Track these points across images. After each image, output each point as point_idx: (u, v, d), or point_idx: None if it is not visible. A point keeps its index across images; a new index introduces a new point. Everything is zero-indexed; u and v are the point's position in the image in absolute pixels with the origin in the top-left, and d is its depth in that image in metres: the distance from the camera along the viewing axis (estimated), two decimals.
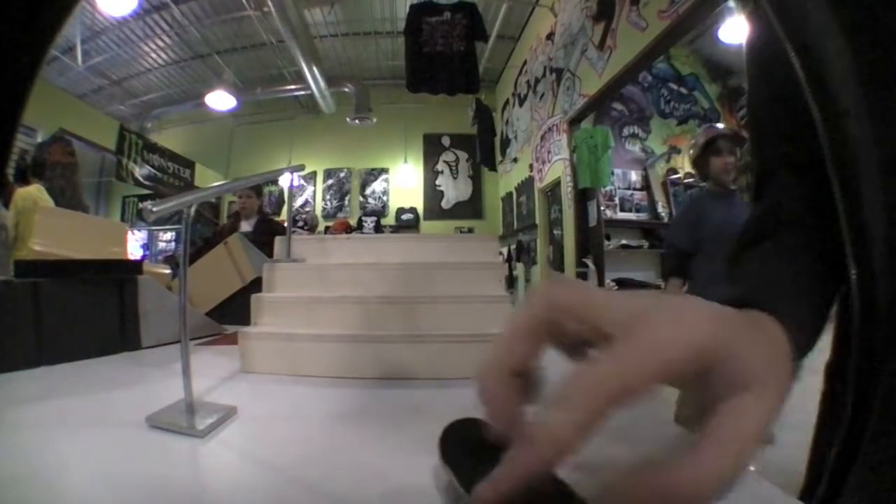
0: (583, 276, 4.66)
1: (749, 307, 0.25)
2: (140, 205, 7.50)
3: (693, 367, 0.18)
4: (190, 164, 7.40)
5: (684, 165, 5.32)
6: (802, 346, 0.27)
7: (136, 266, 0.62)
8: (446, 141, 8.11)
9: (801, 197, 0.36)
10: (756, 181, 0.42)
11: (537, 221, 6.04)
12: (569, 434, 0.17)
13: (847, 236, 0.27)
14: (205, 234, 6.22)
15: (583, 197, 4.84)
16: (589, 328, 0.21)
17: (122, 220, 7.66)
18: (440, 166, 8.11)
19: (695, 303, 0.20)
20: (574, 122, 4.72)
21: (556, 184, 5.43)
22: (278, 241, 0.56)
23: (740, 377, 0.19)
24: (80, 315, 0.54)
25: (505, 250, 6.91)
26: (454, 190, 8.08)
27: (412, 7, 4.56)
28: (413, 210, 8.00)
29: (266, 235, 2.25)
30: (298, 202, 7.94)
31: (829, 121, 0.26)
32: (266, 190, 6.96)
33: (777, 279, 0.31)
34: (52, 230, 0.66)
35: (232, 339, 0.59)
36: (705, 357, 0.18)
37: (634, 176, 5.36)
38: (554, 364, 0.23)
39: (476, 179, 8.01)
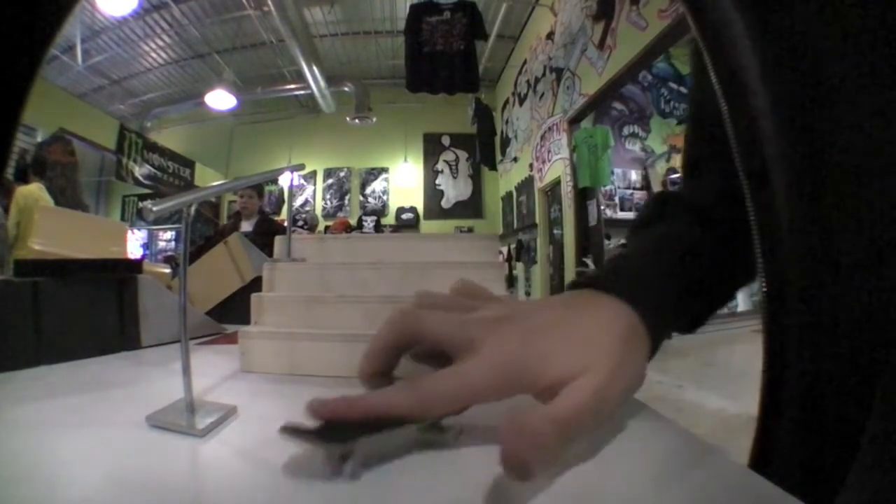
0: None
1: (590, 287, 0.28)
2: (140, 204, 7.53)
3: (504, 391, 0.24)
4: (190, 164, 7.39)
5: None
6: (655, 325, 0.28)
7: (135, 265, 0.62)
8: (446, 140, 8.11)
9: (713, 190, 0.36)
10: (683, 170, 0.43)
11: (537, 221, 6.05)
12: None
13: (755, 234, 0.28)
14: (205, 233, 6.21)
15: (583, 196, 4.84)
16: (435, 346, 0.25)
17: (122, 219, 7.67)
18: (440, 165, 8.11)
19: (513, 324, 0.25)
20: (574, 122, 4.72)
21: (556, 183, 5.43)
22: (278, 241, 0.56)
23: (558, 376, 0.23)
24: (79, 314, 0.54)
25: (505, 250, 6.91)
26: (454, 189, 8.08)
27: (412, 6, 4.56)
28: (413, 209, 8.01)
29: (267, 235, 2.25)
30: (298, 201, 7.94)
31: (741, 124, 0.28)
32: (266, 189, 6.97)
33: (631, 262, 0.33)
34: (51, 229, 0.66)
35: (232, 339, 0.59)
36: (511, 381, 0.23)
37: (634, 175, 5.36)
38: None
39: (476, 179, 8.02)
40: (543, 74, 5.47)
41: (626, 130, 5.48)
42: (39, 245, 0.62)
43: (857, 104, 0.24)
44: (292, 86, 7.13)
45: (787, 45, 0.25)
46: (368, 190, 8.13)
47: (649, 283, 0.30)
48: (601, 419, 0.24)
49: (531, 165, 6.22)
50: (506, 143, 7.34)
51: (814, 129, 0.25)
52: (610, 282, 0.28)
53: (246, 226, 2.75)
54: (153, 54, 6.67)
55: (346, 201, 8.12)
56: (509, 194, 7.29)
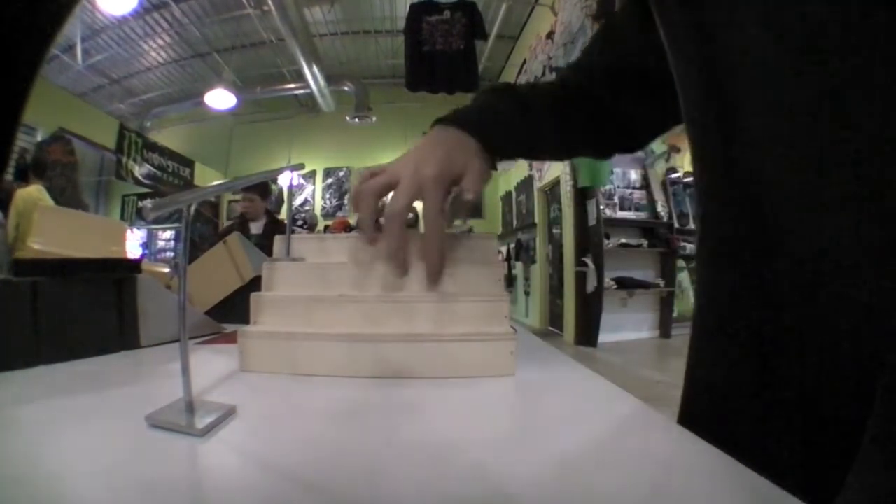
0: (582, 274, 4.66)
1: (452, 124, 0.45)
2: (139, 203, 7.52)
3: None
4: (189, 163, 7.39)
5: (684, 164, 5.32)
6: (490, 143, 0.45)
7: (135, 265, 0.62)
8: None
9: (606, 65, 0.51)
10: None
11: (536, 220, 6.05)
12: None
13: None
14: (204, 232, 6.20)
15: (582, 196, 4.84)
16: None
17: (122, 218, 7.66)
18: None
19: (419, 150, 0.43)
20: None
21: (556, 183, 5.44)
22: (278, 240, 0.56)
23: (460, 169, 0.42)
24: (78, 314, 0.54)
25: (504, 249, 6.91)
26: None
27: (412, 6, 4.55)
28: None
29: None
30: (298, 201, 7.93)
31: None
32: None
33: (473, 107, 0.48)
34: (51, 229, 0.66)
35: (231, 338, 0.59)
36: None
37: (634, 175, 5.35)
38: None
39: None
40: (543, 74, 5.46)
41: None
42: (39, 245, 0.62)
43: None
44: (292, 85, 7.12)
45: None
46: None
47: (469, 116, 0.46)
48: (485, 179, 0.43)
49: (531, 165, 6.22)
50: None
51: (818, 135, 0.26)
52: (450, 120, 0.46)
53: (254, 228, 2.71)
54: (153, 53, 6.66)
55: (346, 201, 8.11)
56: (508, 194, 7.29)
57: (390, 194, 0.42)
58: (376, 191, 0.43)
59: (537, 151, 0.55)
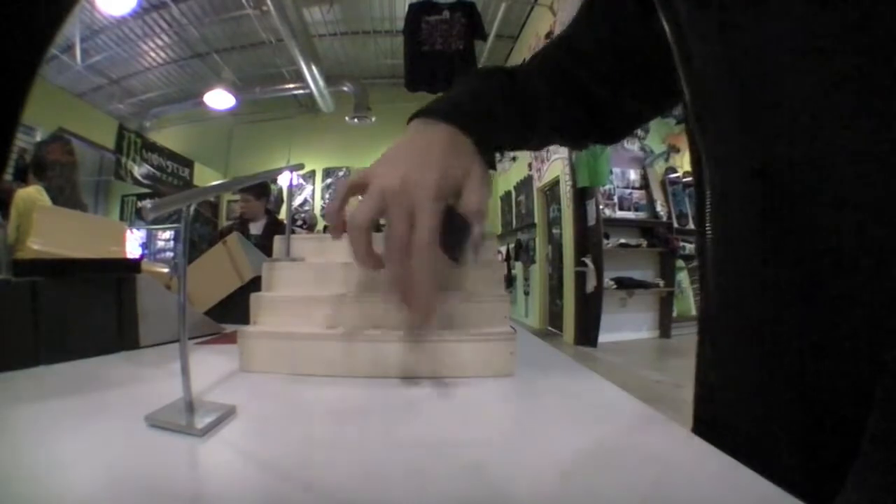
0: (582, 274, 4.66)
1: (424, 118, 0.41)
2: (139, 204, 7.51)
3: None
4: (189, 163, 7.39)
5: (683, 164, 5.32)
6: (489, 143, 0.42)
7: (134, 265, 0.62)
8: None
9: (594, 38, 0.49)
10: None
11: (536, 220, 6.05)
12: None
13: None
14: (204, 233, 6.19)
15: (582, 196, 4.84)
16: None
17: (121, 218, 7.66)
18: None
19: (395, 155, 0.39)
20: None
21: (555, 183, 5.43)
22: (277, 240, 0.56)
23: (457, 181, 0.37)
24: (78, 314, 0.54)
25: (504, 249, 6.91)
26: None
27: (411, 6, 4.55)
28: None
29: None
30: (297, 201, 7.93)
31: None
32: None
33: (458, 97, 0.44)
34: (50, 229, 0.66)
35: (231, 339, 0.59)
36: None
37: (633, 175, 5.36)
38: None
39: None
40: None
41: None
42: (38, 245, 0.62)
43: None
44: (291, 85, 7.12)
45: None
46: None
47: (462, 110, 0.42)
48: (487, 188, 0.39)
49: (530, 165, 6.22)
50: None
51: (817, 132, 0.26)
52: (436, 113, 0.41)
53: (254, 228, 2.72)
54: (152, 54, 6.65)
55: None
56: (508, 193, 7.29)
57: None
58: (369, 224, 0.37)
59: (526, 146, 0.53)
